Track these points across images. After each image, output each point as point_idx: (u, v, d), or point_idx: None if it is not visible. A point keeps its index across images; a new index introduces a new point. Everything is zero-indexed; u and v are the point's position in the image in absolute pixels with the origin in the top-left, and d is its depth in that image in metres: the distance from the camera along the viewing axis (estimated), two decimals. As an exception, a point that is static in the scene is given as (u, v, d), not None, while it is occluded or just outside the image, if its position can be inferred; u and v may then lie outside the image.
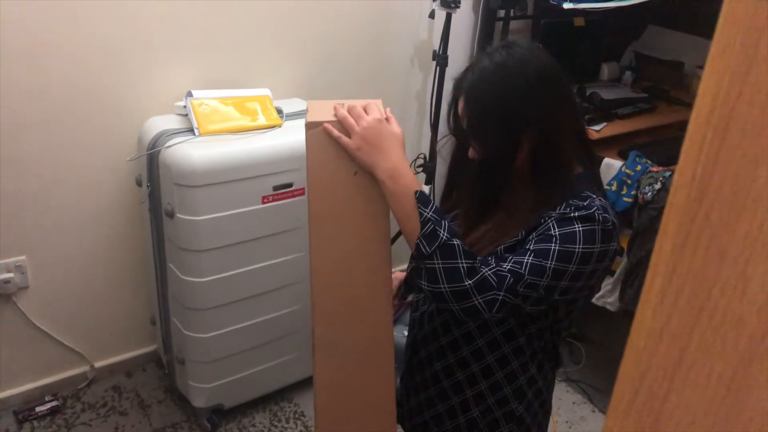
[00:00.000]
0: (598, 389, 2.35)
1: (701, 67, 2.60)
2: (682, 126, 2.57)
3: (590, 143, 1.26)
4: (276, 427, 2.07)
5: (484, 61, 1.11)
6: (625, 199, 2.08)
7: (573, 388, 2.37)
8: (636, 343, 0.37)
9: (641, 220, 2.03)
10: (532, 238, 1.10)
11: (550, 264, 1.06)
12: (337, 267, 1.15)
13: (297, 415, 2.12)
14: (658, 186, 2.00)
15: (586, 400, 2.31)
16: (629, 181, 2.09)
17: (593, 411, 2.26)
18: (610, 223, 1.08)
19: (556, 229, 1.07)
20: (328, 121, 1.10)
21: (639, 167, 2.09)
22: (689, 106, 2.09)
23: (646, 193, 2.01)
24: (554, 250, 1.06)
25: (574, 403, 2.30)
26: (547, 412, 1.40)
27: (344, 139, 1.11)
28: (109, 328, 2.14)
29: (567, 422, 2.21)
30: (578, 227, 1.07)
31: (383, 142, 1.10)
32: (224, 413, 2.07)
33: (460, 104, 1.13)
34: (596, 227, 1.07)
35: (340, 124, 1.11)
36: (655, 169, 2.06)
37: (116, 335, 2.17)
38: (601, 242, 1.07)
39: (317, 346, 1.19)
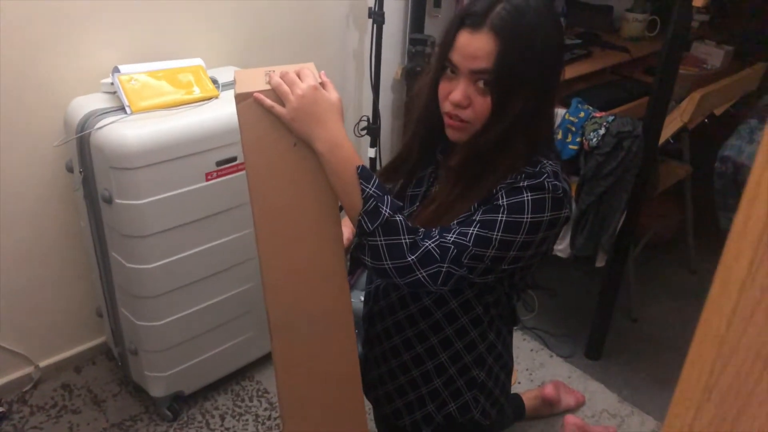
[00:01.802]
0: (554, 335, 2.41)
1: (630, 11, 2.62)
2: (615, 69, 2.61)
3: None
4: (240, 407, 2.02)
5: None
6: (570, 146, 2.09)
7: (529, 335, 2.41)
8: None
9: (588, 167, 2.04)
10: (481, 209, 1.07)
11: (497, 235, 1.03)
12: (285, 244, 1.10)
13: (260, 393, 2.08)
14: (602, 131, 2.01)
15: (542, 346, 2.36)
16: (573, 129, 2.09)
17: (551, 356, 2.31)
18: (560, 191, 1.05)
19: (504, 200, 1.04)
20: (259, 91, 1.03)
21: (582, 114, 2.09)
22: (621, 49, 2.09)
23: (592, 139, 2.02)
24: (501, 220, 1.03)
25: (531, 350, 2.35)
26: (508, 372, 1.40)
27: (278, 108, 1.03)
28: (52, 325, 2.02)
29: (527, 370, 2.25)
30: (527, 196, 1.04)
31: (320, 111, 1.03)
32: (185, 399, 2.00)
33: (481, 39, 1.00)
34: (546, 195, 1.04)
35: (273, 92, 1.03)
36: (597, 114, 2.07)
37: (60, 331, 2.05)
38: (551, 210, 1.04)
39: (273, 327, 1.14)
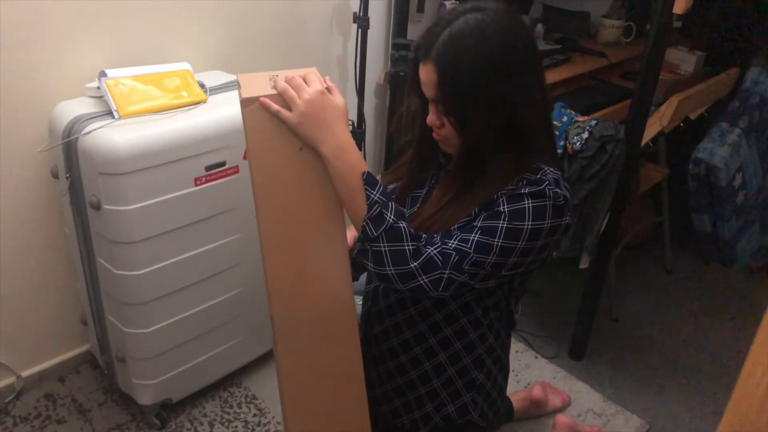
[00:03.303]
0: (538, 336, 2.44)
1: (606, 17, 2.67)
2: (593, 74, 2.66)
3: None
4: (228, 413, 2.00)
5: (457, 23, 1.03)
6: (554, 150, 2.12)
7: (514, 337, 2.44)
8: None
9: (572, 170, 2.08)
10: (482, 215, 1.09)
11: (497, 242, 1.05)
12: (290, 248, 1.10)
13: (248, 399, 2.06)
14: (585, 135, 2.05)
15: (527, 347, 2.39)
16: (557, 133, 2.13)
17: (536, 357, 2.34)
18: (561, 198, 1.08)
19: (506, 206, 1.06)
20: (264, 96, 1.03)
21: (565, 118, 2.13)
22: (599, 54, 2.13)
23: (575, 143, 2.06)
24: (502, 227, 1.05)
25: (516, 351, 2.37)
26: (506, 375, 1.42)
27: (284, 112, 1.03)
28: (34, 333, 1.98)
29: (513, 371, 2.27)
30: (528, 203, 1.06)
31: (327, 116, 1.04)
32: (173, 407, 1.97)
33: (427, 70, 1.07)
34: (547, 203, 1.07)
35: (279, 97, 1.04)
36: (580, 118, 2.11)
37: (42, 340, 2.01)
38: (551, 218, 1.07)
39: (278, 331, 1.14)
